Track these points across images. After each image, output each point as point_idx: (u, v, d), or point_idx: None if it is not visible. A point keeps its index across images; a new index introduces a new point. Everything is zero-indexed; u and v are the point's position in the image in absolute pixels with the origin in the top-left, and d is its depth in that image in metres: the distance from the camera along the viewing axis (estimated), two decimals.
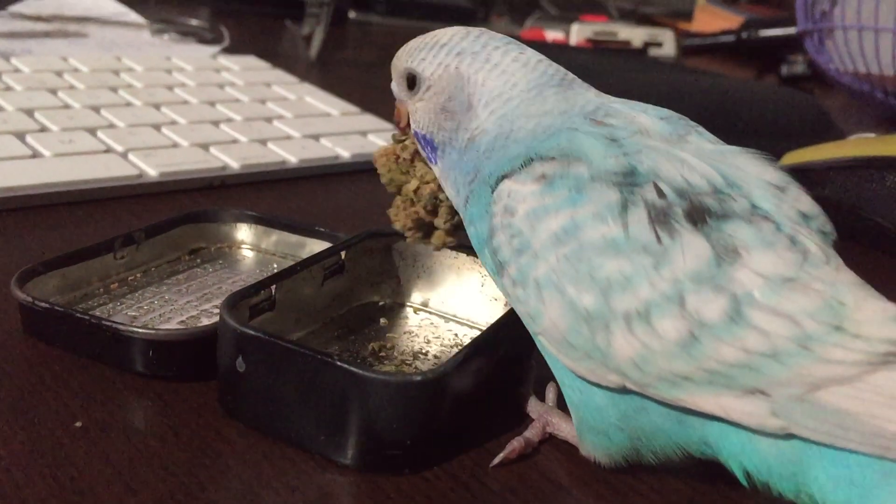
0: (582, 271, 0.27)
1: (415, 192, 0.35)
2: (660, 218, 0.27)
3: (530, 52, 0.33)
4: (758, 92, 0.94)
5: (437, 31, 0.34)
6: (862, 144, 0.58)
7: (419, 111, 0.33)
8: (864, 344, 0.26)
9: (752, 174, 0.29)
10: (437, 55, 0.33)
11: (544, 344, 0.29)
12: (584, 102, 0.31)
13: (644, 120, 0.30)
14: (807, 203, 0.29)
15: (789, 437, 0.26)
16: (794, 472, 0.27)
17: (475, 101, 0.32)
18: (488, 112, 0.31)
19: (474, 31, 0.33)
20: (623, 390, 0.28)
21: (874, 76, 0.91)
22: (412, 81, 0.33)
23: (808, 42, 0.97)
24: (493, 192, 0.30)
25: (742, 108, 0.77)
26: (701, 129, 0.31)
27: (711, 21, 1.28)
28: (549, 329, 0.28)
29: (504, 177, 0.30)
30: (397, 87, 0.35)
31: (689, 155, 0.28)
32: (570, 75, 0.33)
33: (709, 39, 1.16)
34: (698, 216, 0.27)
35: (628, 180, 0.28)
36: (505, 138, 0.31)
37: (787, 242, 0.27)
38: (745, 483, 0.28)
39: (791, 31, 1.03)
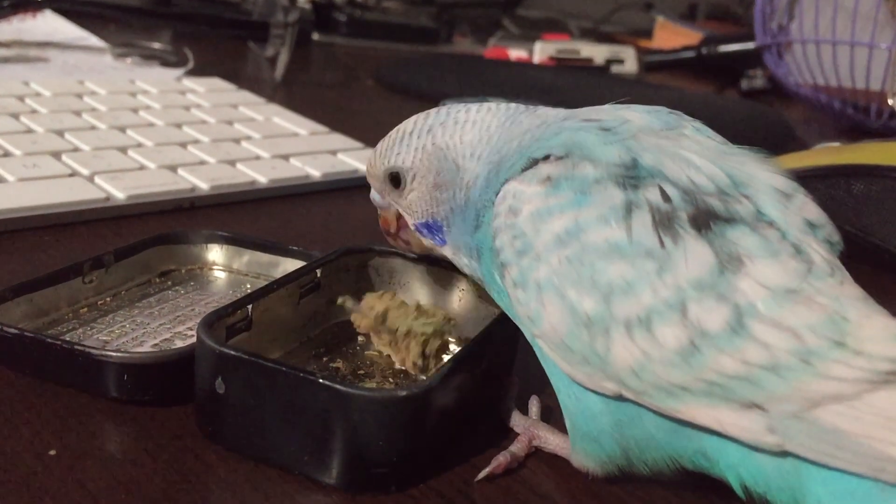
0: (583, 274, 0.27)
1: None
2: (664, 222, 0.27)
3: (492, 101, 0.34)
4: (721, 105, 0.96)
5: (397, 127, 0.35)
6: (827, 153, 0.59)
7: (413, 203, 0.34)
8: (866, 361, 0.25)
9: (759, 178, 0.28)
10: (411, 143, 0.33)
11: (542, 347, 0.29)
12: (562, 113, 0.32)
13: (629, 114, 0.30)
14: (813, 211, 0.29)
15: (787, 452, 0.26)
16: (793, 486, 0.26)
17: (460, 160, 0.32)
18: (475, 160, 0.32)
19: (433, 109, 0.34)
20: (619, 398, 0.28)
21: (832, 88, 0.93)
22: (396, 179, 0.34)
23: (766, 56, 0.98)
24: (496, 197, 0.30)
25: (706, 121, 0.78)
26: (699, 123, 0.31)
27: (671, 38, 1.30)
28: (547, 332, 0.28)
29: (507, 180, 0.30)
30: (381, 194, 0.35)
31: (694, 154, 0.28)
32: (536, 106, 0.34)
33: (670, 55, 1.18)
34: (702, 222, 0.27)
35: (631, 173, 0.27)
36: (497, 165, 0.31)
37: (791, 252, 0.27)
38: (741, 495, 0.28)
39: (750, 45, 1.05)
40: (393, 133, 0.35)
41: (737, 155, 0.29)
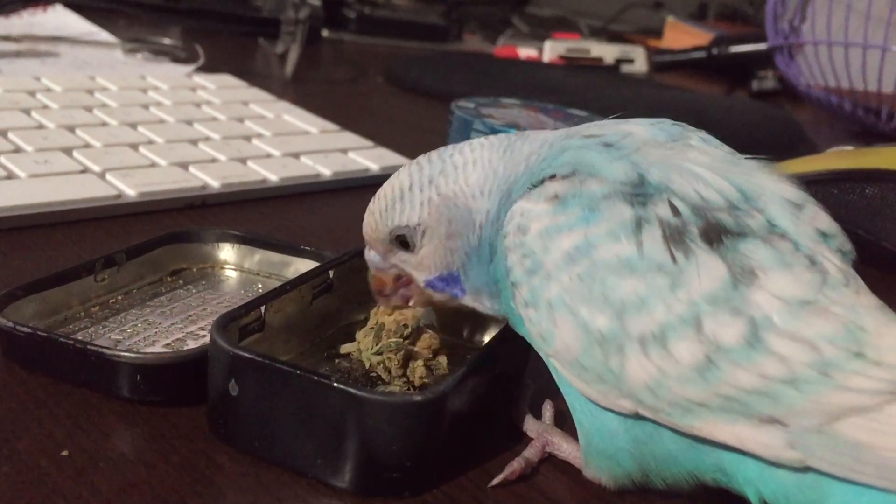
0: (595, 291, 0.26)
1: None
2: (674, 237, 0.26)
3: (478, 137, 0.33)
4: (731, 106, 0.95)
5: (388, 184, 0.32)
6: (840, 157, 0.58)
7: (425, 258, 0.32)
8: (885, 372, 0.25)
9: (768, 189, 0.28)
10: (413, 199, 0.31)
11: (556, 366, 0.29)
12: (562, 131, 0.31)
13: (631, 127, 0.30)
14: (825, 221, 0.28)
15: (807, 466, 0.26)
16: (814, 501, 0.26)
17: (470, 202, 0.31)
18: (485, 198, 0.31)
19: (420, 158, 0.32)
20: (636, 416, 0.27)
21: (844, 90, 0.92)
22: (404, 240, 0.32)
23: (778, 57, 0.98)
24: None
25: (716, 122, 0.78)
26: (704, 133, 0.30)
27: (681, 38, 1.29)
28: (561, 351, 0.28)
29: (516, 200, 0.29)
30: (383, 256, 0.33)
31: (702, 167, 0.28)
32: (527, 132, 0.33)
33: (680, 55, 1.17)
34: (714, 235, 0.26)
35: (639, 191, 0.27)
36: (508, 193, 0.30)
37: (805, 263, 0.26)
38: None
39: (761, 46, 1.04)
40: (387, 191, 0.32)
41: (745, 165, 0.29)
